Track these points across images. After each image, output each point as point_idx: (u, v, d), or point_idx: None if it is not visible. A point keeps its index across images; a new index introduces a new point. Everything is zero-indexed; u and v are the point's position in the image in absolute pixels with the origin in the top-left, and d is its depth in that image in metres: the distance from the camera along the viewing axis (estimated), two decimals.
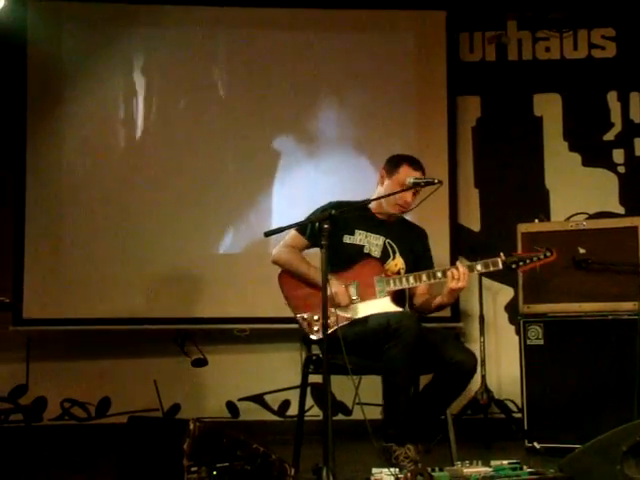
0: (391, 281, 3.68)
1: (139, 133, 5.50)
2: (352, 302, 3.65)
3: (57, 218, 5.39)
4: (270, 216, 5.44)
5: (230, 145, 5.51)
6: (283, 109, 5.52)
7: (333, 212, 3.45)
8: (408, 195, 3.76)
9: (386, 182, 3.82)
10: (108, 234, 5.39)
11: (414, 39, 5.59)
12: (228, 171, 5.51)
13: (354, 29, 5.56)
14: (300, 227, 3.76)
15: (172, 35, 5.52)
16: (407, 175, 3.75)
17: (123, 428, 3.27)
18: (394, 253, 3.80)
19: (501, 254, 3.65)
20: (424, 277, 3.66)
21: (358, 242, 3.78)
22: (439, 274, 3.65)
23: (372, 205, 3.86)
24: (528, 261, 3.69)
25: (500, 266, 3.65)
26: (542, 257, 3.69)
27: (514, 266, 3.67)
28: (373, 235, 3.80)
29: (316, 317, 3.59)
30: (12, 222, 5.36)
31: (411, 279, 3.67)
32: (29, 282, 5.29)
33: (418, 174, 3.77)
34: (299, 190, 5.40)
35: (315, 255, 3.58)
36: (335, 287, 3.58)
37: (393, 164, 3.83)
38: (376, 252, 3.79)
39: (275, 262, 3.83)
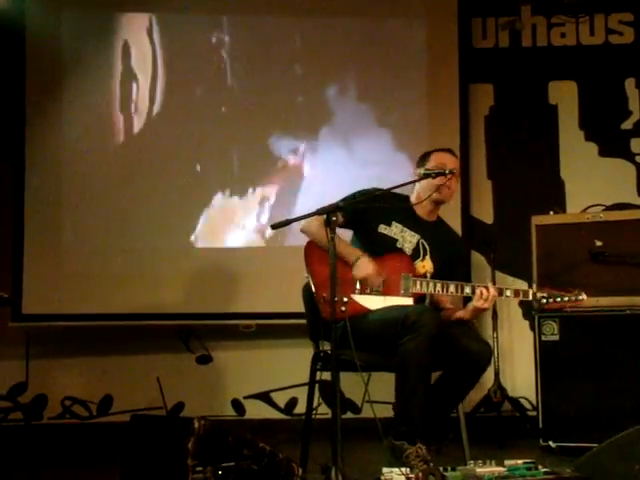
0: (417, 282, 3.60)
1: (140, 124, 5.41)
2: (379, 288, 3.58)
3: (57, 212, 5.31)
4: (277, 209, 5.32)
5: (236, 137, 5.42)
6: (290, 97, 5.43)
7: (340, 204, 3.37)
8: (445, 178, 3.67)
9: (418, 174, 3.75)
10: (109, 228, 5.33)
11: (425, 25, 5.51)
12: (233, 163, 5.42)
13: (365, 15, 5.48)
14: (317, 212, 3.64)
15: (174, 23, 5.44)
16: (439, 159, 3.74)
17: (126, 427, 3.21)
18: (425, 254, 3.73)
19: (534, 286, 3.69)
20: (452, 288, 3.59)
21: (392, 235, 3.72)
22: (467, 289, 3.59)
23: (413, 201, 3.78)
24: (559, 299, 3.65)
25: (530, 297, 3.64)
26: (573, 299, 3.66)
27: (544, 301, 3.65)
28: (409, 231, 3.73)
29: (336, 299, 3.43)
30: (11, 216, 5.29)
31: (438, 286, 3.60)
32: (29, 277, 5.23)
33: (448, 155, 3.77)
34: (306, 183, 5.32)
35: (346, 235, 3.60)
36: (368, 268, 3.56)
37: (422, 159, 3.81)
38: (408, 249, 3.71)
39: (304, 230, 3.72)
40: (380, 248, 3.66)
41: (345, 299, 3.42)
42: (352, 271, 3.58)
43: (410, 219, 3.75)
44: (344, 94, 5.44)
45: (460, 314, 3.68)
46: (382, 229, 3.71)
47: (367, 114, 5.42)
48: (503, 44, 5.63)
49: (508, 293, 3.64)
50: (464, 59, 5.48)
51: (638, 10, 5.55)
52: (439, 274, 3.71)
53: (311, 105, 5.45)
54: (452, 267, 3.77)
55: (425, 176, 3.66)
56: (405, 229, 3.72)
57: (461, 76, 5.46)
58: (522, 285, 5.28)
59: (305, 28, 5.48)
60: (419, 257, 3.71)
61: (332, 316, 3.17)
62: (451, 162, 3.75)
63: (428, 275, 3.69)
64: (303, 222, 3.68)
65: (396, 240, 3.71)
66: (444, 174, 3.64)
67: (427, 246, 3.73)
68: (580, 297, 3.65)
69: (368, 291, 3.58)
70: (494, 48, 5.63)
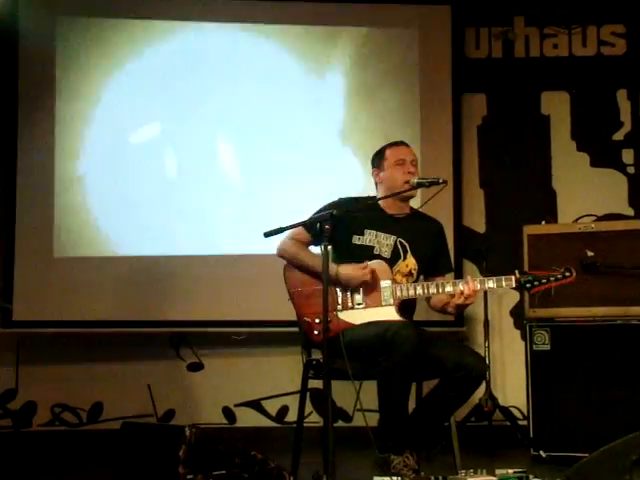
0: (397, 289, 3.58)
1: (133, 130, 5.39)
2: (358, 305, 3.57)
3: (48, 218, 5.27)
4: (269, 217, 5.29)
5: (229, 142, 5.41)
6: (281, 106, 5.41)
7: (335, 212, 3.36)
8: (405, 168, 3.68)
9: (382, 175, 3.76)
10: (100, 234, 5.29)
11: (418, 34, 5.50)
12: (226, 169, 5.41)
13: (357, 24, 5.47)
14: (305, 223, 3.64)
15: (169, 27, 5.42)
16: (394, 154, 3.73)
17: (116, 434, 3.20)
18: (405, 253, 3.69)
19: (516, 272, 3.52)
20: (432, 289, 3.56)
21: (368, 243, 3.69)
22: (448, 287, 3.54)
23: (382, 203, 3.76)
24: (544, 281, 3.52)
25: (514, 284, 3.52)
26: (560, 277, 3.53)
27: (528, 285, 3.52)
28: (383, 234, 3.70)
29: (318, 320, 3.48)
30: (2, 222, 5.27)
31: (419, 289, 3.57)
32: (19, 283, 5.21)
33: (402, 148, 3.75)
34: (298, 190, 5.28)
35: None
36: (352, 269, 3.54)
37: (377, 157, 3.80)
38: (386, 252, 3.68)
39: (280, 255, 3.73)
40: (358, 259, 3.63)
41: (317, 320, 3.45)
42: (342, 284, 3.57)
43: (382, 222, 3.71)
44: (336, 103, 5.43)
45: (447, 310, 3.63)
46: (356, 240, 3.68)
47: (359, 123, 5.41)
48: (496, 54, 5.63)
49: (490, 284, 3.52)
50: (457, 69, 5.48)
51: (630, 22, 5.57)
52: (426, 267, 3.71)
53: (300, 112, 5.43)
54: (437, 258, 3.77)
55: (418, 185, 3.64)
56: (379, 233, 3.68)
57: (454, 86, 5.46)
58: (514, 294, 5.34)
59: (296, 36, 5.47)
60: (400, 257, 3.68)
61: (324, 335, 3.19)
62: (407, 153, 3.74)
63: (414, 272, 3.67)
64: (279, 245, 3.71)
65: (372, 247, 3.67)
66: (438, 183, 3.61)
67: (406, 243, 3.69)
68: (567, 274, 3.52)
69: (350, 305, 3.57)
70: (487, 58, 5.64)
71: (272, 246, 3.70)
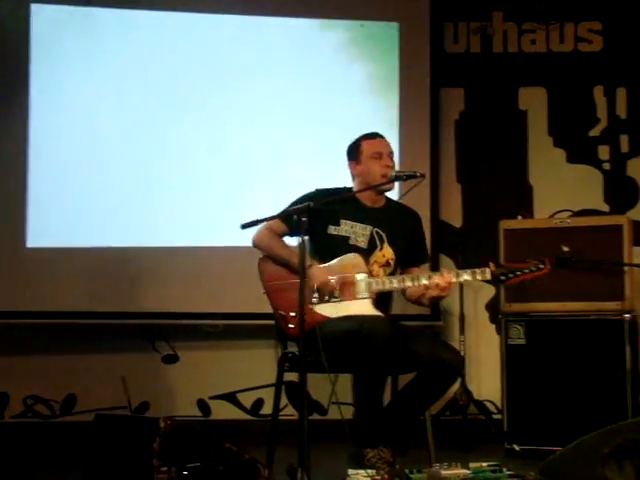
0: (373, 282, 3.56)
1: (109, 121, 5.32)
2: (334, 298, 3.54)
3: (21, 209, 5.21)
4: (245, 209, 5.24)
5: (205, 134, 5.35)
6: (258, 97, 5.37)
7: (311, 205, 3.33)
8: (383, 161, 3.67)
9: (359, 168, 3.74)
10: (74, 226, 5.23)
11: (397, 28, 5.47)
12: (205, 160, 5.35)
13: (337, 17, 5.45)
14: (282, 215, 3.62)
15: (146, 16, 5.37)
16: (371, 146, 3.71)
17: (89, 426, 3.17)
18: (382, 243, 3.68)
19: (490, 264, 3.50)
20: (407, 282, 3.55)
21: (343, 233, 3.67)
22: (424, 280, 3.51)
23: (358, 194, 3.74)
24: (518, 273, 3.52)
25: (488, 277, 3.51)
26: (534, 269, 3.51)
27: (503, 278, 3.51)
28: (360, 225, 3.68)
29: (293, 313, 3.46)
30: None
31: (395, 282, 3.55)
32: None
33: (379, 140, 3.74)
34: (275, 182, 5.24)
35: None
36: (320, 276, 3.51)
37: (353, 149, 3.78)
38: (362, 243, 3.67)
39: (256, 245, 3.71)
40: (334, 250, 3.62)
41: (292, 313, 3.42)
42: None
43: (358, 212, 3.70)
44: (314, 96, 5.40)
45: (422, 301, 3.62)
46: (332, 230, 3.66)
47: (334, 117, 5.36)
48: (474, 49, 5.63)
49: (466, 276, 3.52)
50: (436, 63, 5.47)
51: (607, 19, 5.59)
52: (403, 258, 3.70)
53: (279, 105, 5.39)
54: (413, 246, 3.77)
55: (396, 178, 3.64)
56: (355, 223, 3.67)
57: (432, 80, 5.46)
58: (490, 289, 5.36)
59: (276, 28, 5.43)
60: (377, 247, 3.66)
61: (299, 329, 3.17)
62: (384, 146, 3.74)
63: (391, 263, 3.66)
64: (254, 236, 3.68)
65: (348, 237, 3.66)
66: (415, 177, 3.60)
67: (382, 233, 3.68)
68: (541, 266, 3.51)
69: (327, 299, 3.54)
70: (465, 53, 5.63)
71: (248, 238, 3.69)
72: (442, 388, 3.51)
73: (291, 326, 3.48)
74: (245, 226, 3.35)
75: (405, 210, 3.85)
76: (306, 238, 3.35)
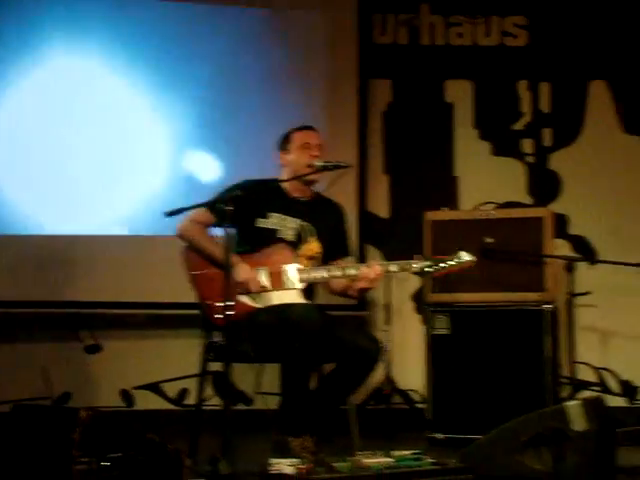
0: (302, 273, 3.58)
1: (32, 110, 5.21)
2: (263, 290, 3.54)
3: None
4: (165, 197, 5.18)
5: (121, 118, 5.27)
6: (180, 86, 5.30)
7: (240, 193, 3.35)
8: (310, 152, 3.70)
9: (287, 158, 3.76)
10: None
11: (322, 18, 5.45)
12: (134, 148, 5.27)
13: (263, 5, 5.41)
14: (207, 204, 3.59)
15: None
16: (300, 137, 3.74)
17: (6, 417, 3.07)
18: (310, 236, 3.71)
19: (418, 256, 3.59)
20: (337, 272, 3.59)
21: (271, 226, 3.67)
22: (352, 270, 3.56)
23: (286, 185, 3.75)
24: (444, 265, 3.58)
25: (415, 269, 3.58)
26: (457, 261, 3.60)
27: (429, 270, 3.58)
28: (288, 217, 3.70)
29: (219, 304, 3.40)
30: None
31: (323, 272, 3.59)
32: None
33: (309, 132, 3.77)
34: (202, 171, 5.24)
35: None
36: (246, 273, 3.51)
37: (283, 140, 3.80)
38: (290, 236, 3.68)
39: (180, 237, 3.67)
40: (261, 243, 3.62)
41: (219, 303, 3.37)
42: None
43: (286, 205, 3.71)
44: (238, 86, 5.35)
45: (348, 292, 3.67)
46: (260, 223, 3.67)
47: (263, 107, 5.33)
48: (402, 41, 5.64)
49: (393, 268, 3.58)
50: (364, 54, 5.46)
51: (532, 14, 5.65)
52: (328, 251, 3.73)
53: (203, 94, 5.33)
54: (337, 239, 3.80)
55: (323, 168, 3.67)
56: (283, 216, 3.69)
57: (360, 71, 5.45)
58: (415, 279, 5.37)
59: (199, 14, 5.34)
60: (304, 241, 3.69)
61: (225, 318, 3.17)
62: (314, 137, 3.77)
63: (318, 256, 3.69)
64: (179, 227, 3.64)
65: (275, 230, 3.67)
66: (341, 167, 3.67)
67: (310, 226, 3.71)
68: (465, 258, 3.59)
69: (248, 293, 3.54)
70: (393, 44, 5.63)
71: (173, 227, 3.65)
72: (361, 376, 3.53)
73: (217, 316, 3.46)
74: (170, 214, 3.32)
75: (331, 203, 3.88)
76: (231, 229, 3.33)
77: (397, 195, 5.61)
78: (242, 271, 3.52)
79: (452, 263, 3.59)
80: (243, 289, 3.50)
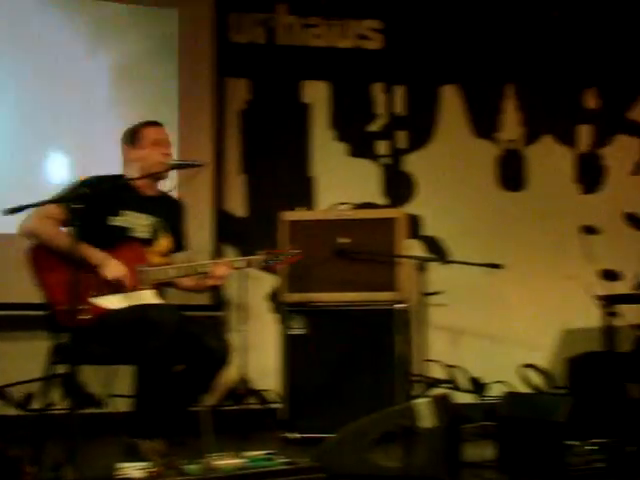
0: (153, 272, 3.56)
1: None
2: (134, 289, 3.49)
3: None
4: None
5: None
6: (23, 77, 5.09)
7: (87, 191, 3.26)
8: (162, 149, 3.69)
9: (138, 153, 3.70)
10: None
11: (177, 15, 5.37)
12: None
13: (115, 0, 5.26)
14: (54, 201, 3.47)
15: None
16: (151, 133, 3.71)
17: None
18: (161, 233, 3.70)
19: (257, 252, 3.74)
20: (186, 271, 3.61)
21: (122, 224, 3.61)
22: (201, 268, 3.61)
23: (137, 182, 3.69)
24: (280, 257, 3.78)
25: (261, 261, 3.73)
26: (288, 255, 3.82)
27: (269, 262, 3.75)
28: (141, 215, 3.66)
29: (68, 305, 3.28)
30: None
31: (172, 272, 3.60)
32: None
33: (159, 128, 3.76)
34: (50, 167, 5.07)
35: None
36: (119, 270, 3.47)
37: (131, 135, 3.75)
38: (143, 233, 3.64)
39: (29, 234, 3.51)
40: (113, 241, 3.55)
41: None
42: (100, 273, 3.45)
43: (138, 202, 3.68)
44: (91, 82, 5.19)
45: (192, 285, 3.74)
46: (111, 221, 3.60)
47: (115, 103, 5.19)
48: (259, 40, 5.63)
49: (240, 264, 3.74)
50: (220, 53, 5.42)
51: (387, 18, 5.75)
52: (177, 247, 3.76)
53: (49, 87, 5.14)
54: (179, 234, 3.81)
55: (180, 166, 3.73)
56: (135, 214, 3.65)
57: (217, 69, 5.40)
58: (271, 279, 5.39)
59: (53, 4, 5.17)
60: (156, 237, 3.68)
61: (73, 320, 3.11)
62: (164, 134, 3.76)
63: (169, 252, 3.71)
64: (27, 224, 3.50)
65: (127, 228, 3.61)
66: (195, 165, 3.71)
67: (161, 223, 3.70)
68: (295, 251, 3.83)
69: (106, 292, 3.47)
70: (250, 44, 5.62)
71: (13, 225, 3.49)
72: (209, 377, 3.53)
73: (66, 317, 3.34)
74: (11, 211, 3.16)
75: (174, 200, 3.91)
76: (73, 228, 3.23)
77: (254, 194, 5.60)
78: (114, 268, 3.45)
79: (282, 257, 3.79)
80: (114, 287, 3.44)
